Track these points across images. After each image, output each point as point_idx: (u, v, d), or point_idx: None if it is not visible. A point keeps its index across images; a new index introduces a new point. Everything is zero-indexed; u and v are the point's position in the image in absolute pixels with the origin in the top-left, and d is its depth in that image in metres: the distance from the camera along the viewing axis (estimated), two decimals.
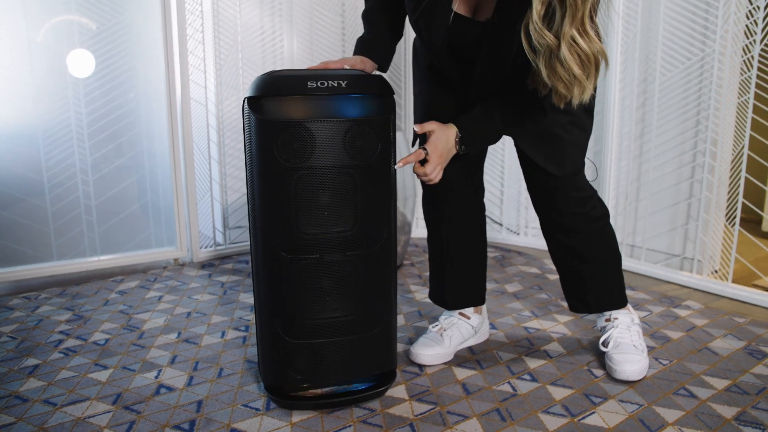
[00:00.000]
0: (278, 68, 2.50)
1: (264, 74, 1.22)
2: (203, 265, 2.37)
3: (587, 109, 1.39)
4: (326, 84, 1.19)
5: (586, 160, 1.46)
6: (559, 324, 1.77)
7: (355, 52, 1.44)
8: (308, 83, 1.18)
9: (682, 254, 2.20)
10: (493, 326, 1.76)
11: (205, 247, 2.46)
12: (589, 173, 1.48)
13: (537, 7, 1.08)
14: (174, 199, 2.33)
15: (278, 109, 1.19)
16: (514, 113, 1.33)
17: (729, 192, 2.07)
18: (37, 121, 2.10)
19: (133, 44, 2.22)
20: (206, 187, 2.43)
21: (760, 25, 1.87)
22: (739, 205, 1.99)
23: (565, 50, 1.09)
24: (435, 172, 1.29)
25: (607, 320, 1.54)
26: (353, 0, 2.61)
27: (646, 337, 1.66)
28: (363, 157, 1.22)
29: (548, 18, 1.09)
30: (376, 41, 1.43)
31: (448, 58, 1.34)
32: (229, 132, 2.45)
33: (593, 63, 1.12)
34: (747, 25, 1.93)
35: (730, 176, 2.05)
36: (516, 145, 1.44)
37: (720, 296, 1.99)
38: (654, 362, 1.52)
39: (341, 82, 1.20)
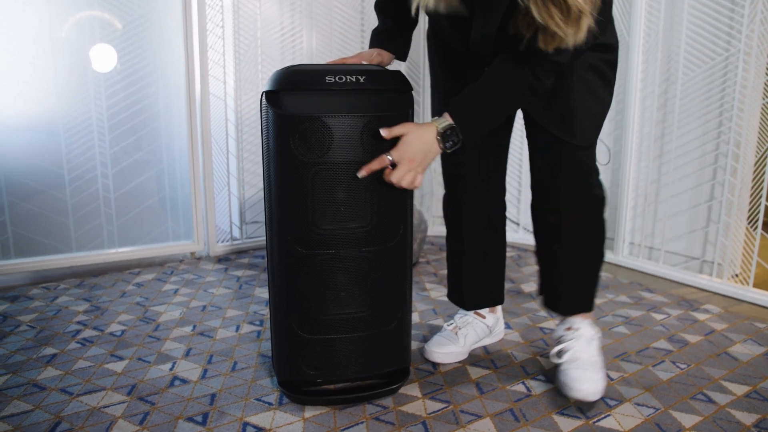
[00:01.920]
0: (297, 63, 2.51)
1: (282, 69, 1.22)
2: (219, 259, 2.38)
3: (604, 78, 1.31)
4: (344, 79, 1.19)
5: (600, 142, 1.40)
6: None
7: (371, 45, 1.44)
8: (326, 78, 1.18)
9: (702, 257, 2.16)
10: (508, 326, 1.74)
11: (222, 242, 2.47)
12: (602, 156, 1.42)
13: None
14: (192, 193, 2.34)
15: (296, 103, 1.19)
16: (513, 85, 1.20)
17: (751, 195, 2.04)
18: (58, 115, 2.13)
19: (154, 39, 2.24)
20: (224, 182, 2.44)
21: None
22: (762, 209, 1.96)
23: None
24: (407, 179, 1.19)
25: (568, 329, 1.42)
26: None
27: (663, 341, 1.64)
28: (380, 153, 1.22)
29: None
30: (391, 31, 1.43)
31: (447, 24, 1.29)
32: (248, 127, 2.46)
33: None
34: None
35: (753, 179, 2.02)
36: (523, 109, 1.37)
37: (740, 300, 1.96)
38: (671, 366, 1.50)
39: (359, 77, 1.20)
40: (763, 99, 1.97)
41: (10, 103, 2.05)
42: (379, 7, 1.44)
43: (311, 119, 1.17)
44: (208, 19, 2.28)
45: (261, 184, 2.58)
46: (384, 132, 1.19)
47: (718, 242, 2.08)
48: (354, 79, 1.19)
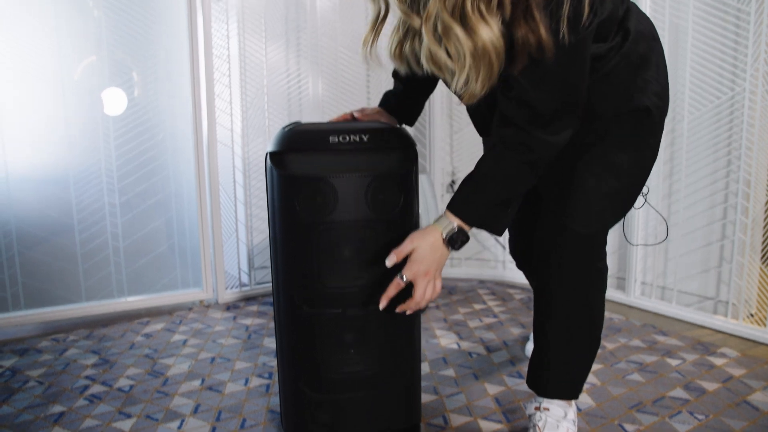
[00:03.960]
0: (304, 110, 2.53)
1: (285, 128, 1.23)
2: (228, 307, 2.37)
3: (631, 152, 1.20)
4: (348, 138, 1.19)
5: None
6: (590, 374, 1.72)
7: (380, 103, 1.44)
8: (330, 138, 1.19)
9: (716, 297, 2.13)
10: (519, 375, 1.71)
11: (231, 288, 2.46)
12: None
13: None
14: (200, 240, 2.35)
15: (301, 164, 1.19)
16: (505, 166, 1.13)
17: (764, 234, 2.01)
18: (69, 164, 2.15)
19: (162, 89, 2.27)
20: (232, 229, 2.45)
21: None
22: None
23: (427, 33, 1.00)
24: (428, 293, 1.16)
25: (537, 408, 1.31)
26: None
27: (679, 389, 1.61)
28: (385, 211, 1.21)
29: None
30: (399, 96, 1.42)
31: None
32: (255, 173, 2.47)
33: (464, 56, 0.99)
34: None
35: (765, 218, 1.99)
36: None
37: (758, 343, 1.92)
38: (689, 417, 1.46)
39: (363, 136, 1.20)
40: None
41: (21, 154, 2.08)
42: (394, 71, 1.44)
43: (316, 180, 1.18)
44: (215, 68, 2.31)
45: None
46: (391, 259, 1.16)
47: (732, 282, 2.05)
48: (357, 139, 1.19)
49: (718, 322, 2.05)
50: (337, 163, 1.18)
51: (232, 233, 2.45)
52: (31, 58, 2.06)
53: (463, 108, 1.40)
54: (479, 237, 2.70)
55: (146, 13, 2.21)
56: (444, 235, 1.15)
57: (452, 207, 1.16)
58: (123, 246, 2.27)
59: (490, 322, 2.15)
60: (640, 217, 2.27)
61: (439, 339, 2.00)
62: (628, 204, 1.27)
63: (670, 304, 2.21)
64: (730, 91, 2.01)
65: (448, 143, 2.66)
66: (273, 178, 1.21)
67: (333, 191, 1.18)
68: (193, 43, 2.23)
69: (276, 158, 1.20)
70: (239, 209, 2.45)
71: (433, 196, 2.31)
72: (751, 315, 2.06)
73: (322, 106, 2.56)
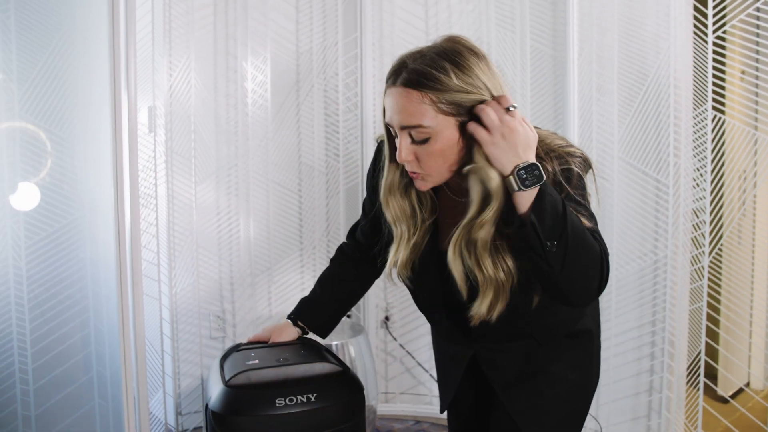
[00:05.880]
0: (233, 254, 2.46)
1: (229, 386, 1.16)
2: None
3: (580, 371, 1.27)
4: (295, 400, 1.14)
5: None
6: None
7: (292, 312, 1.41)
8: (276, 401, 1.14)
9: None
10: None
11: None
12: None
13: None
14: (123, 402, 2.19)
15: (246, 428, 1.13)
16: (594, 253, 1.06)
17: (687, 396, 2.09)
18: None
19: (85, 243, 2.15)
20: (159, 383, 2.31)
21: (707, 238, 1.95)
22: (701, 409, 2.01)
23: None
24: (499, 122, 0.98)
25: None
26: (309, 176, 2.62)
27: None
28: None
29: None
30: (317, 303, 1.41)
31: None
32: (183, 316, 2.37)
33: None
34: (695, 237, 2.01)
35: (688, 381, 2.08)
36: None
37: None
38: None
39: (310, 395, 1.16)
40: (691, 305, 2.04)
41: None
42: (320, 280, 1.43)
43: None
44: (143, 218, 2.21)
45: (197, 373, 2.47)
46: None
47: None
48: (305, 399, 1.15)
49: None
50: (284, 425, 1.13)
51: (158, 388, 2.32)
52: None
53: None
54: (414, 372, 2.67)
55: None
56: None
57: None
58: (35, 415, 2.09)
59: None
60: None
61: None
62: (582, 422, 1.32)
63: None
64: (653, 255, 2.11)
65: (381, 279, 2.64)
66: None
67: None
68: (118, 195, 2.12)
69: (218, 419, 1.14)
70: (166, 361, 2.32)
71: (372, 358, 2.27)
72: None
73: (253, 253, 2.49)
